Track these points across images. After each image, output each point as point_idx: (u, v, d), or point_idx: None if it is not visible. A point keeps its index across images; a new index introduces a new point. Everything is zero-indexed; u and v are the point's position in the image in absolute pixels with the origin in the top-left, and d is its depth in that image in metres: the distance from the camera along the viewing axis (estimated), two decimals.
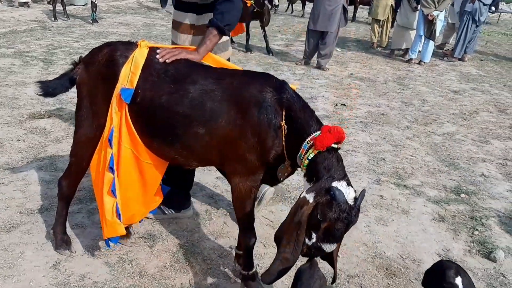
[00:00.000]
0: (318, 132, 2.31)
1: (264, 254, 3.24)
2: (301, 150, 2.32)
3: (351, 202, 2.10)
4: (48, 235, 3.21)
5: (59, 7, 11.28)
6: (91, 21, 11.46)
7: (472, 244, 3.61)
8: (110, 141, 2.59)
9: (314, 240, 2.15)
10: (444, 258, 3.37)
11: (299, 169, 2.51)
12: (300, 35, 12.71)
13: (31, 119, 5.18)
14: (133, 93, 2.52)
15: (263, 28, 9.73)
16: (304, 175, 2.36)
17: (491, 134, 6.17)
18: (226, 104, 2.42)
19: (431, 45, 10.16)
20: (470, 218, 3.99)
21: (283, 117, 2.35)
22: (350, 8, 17.07)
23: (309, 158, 2.27)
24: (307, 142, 2.30)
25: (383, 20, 11.38)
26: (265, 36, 9.81)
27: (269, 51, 9.82)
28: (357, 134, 5.68)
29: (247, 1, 9.08)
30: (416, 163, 5.02)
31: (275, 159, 2.44)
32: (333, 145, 2.26)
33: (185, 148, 2.57)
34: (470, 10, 10.38)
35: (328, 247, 2.17)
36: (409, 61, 10.38)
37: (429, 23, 9.78)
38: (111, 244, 2.85)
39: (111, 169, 2.62)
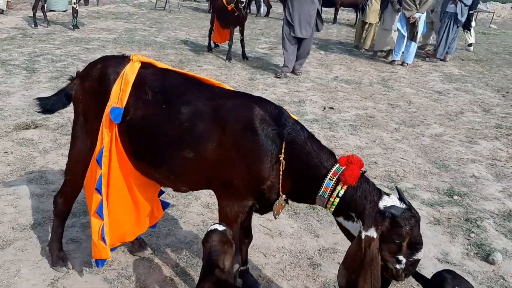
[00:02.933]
0: (337, 165, 2.25)
1: (265, 265, 3.21)
2: (323, 189, 2.23)
3: (404, 206, 2.14)
4: (43, 251, 3.13)
5: (39, 13, 11.08)
6: (72, 27, 11.27)
7: (469, 247, 3.64)
8: (98, 161, 2.52)
9: (404, 260, 2.13)
10: (443, 265, 3.39)
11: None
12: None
13: (18, 130, 5.06)
14: (123, 112, 2.44)
15: (241, 32, 9.60)
16: (334, 213, 2.30)
17: (478, 135, 6.24)
18: (216, 127, 2.32)
19: (414, 46, 10.25)
20: (465, 220, 4.02)
21: (283, 151, 2.25)
22: (331, 10, 17.20)
23: (339, 195, 2.22)
24: (329, 179, 2.22)
25: (370, 23, 11.44)
26: (242, 41, 9.60)
27: (244, 56, 9.67)
28: (347, 138, 5.69)
29: (227, 5, 9.03)
30: (407, 165, 5.05)
31: (269, 190, 2.35)
32: None
33: (172, 172, 2.48)
34: (452, 11, 10.49)
35: (420, 254, 2.15)
36: (392, 62, 10.46)
37: (412, 25, 9.87)
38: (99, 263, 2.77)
39: (98, 190, 2.54)
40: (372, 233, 2.10)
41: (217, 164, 2.33)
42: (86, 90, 2.58)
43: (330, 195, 2.24)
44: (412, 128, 6.30)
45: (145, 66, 2.55)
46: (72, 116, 5.01)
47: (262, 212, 2.55)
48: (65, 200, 2.85)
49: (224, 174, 2.34)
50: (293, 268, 3.20)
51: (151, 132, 2.42)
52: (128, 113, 2.44)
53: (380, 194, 2.21)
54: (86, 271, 2.99)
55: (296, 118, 2.43)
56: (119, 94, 2.43)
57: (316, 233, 3.63)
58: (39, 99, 2.74)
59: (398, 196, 2.21)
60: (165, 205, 3.05)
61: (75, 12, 11.25)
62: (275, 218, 2.48)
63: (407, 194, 4.37)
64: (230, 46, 9.49)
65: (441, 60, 11.12)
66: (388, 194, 2.22)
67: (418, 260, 2.15)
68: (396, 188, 2.33)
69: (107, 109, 2.44)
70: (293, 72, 8.77)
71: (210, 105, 2.36)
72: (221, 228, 2.24)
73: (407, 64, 10.35)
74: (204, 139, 2.32)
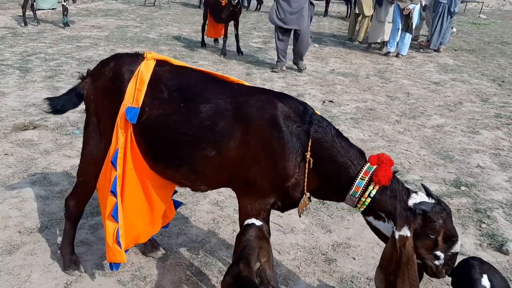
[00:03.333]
0: (368, 164, 2.22)
1: (281, 261, 3.16)
2: (354, 188, 2.21)
3: (433, 200, 2.14)
4: (53, 255, 3.06)
5: (28, 12, 10.90)
6: (62, 25, 11.10)
7: (482, 237, 3.62)
8: (113, 163, 2.44)
9: (443, 255, 2.13)
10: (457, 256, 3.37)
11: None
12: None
13: (16, 131, 4.96)
14: (139, 112, 2.37)
15: (236, 27, 9.51)
16: (363, 212, 2.29)
17: (479, 125, 6.24)
18: (239, 123, 2.26)
19: (408, 37, 10.23)
20: (474, 211, 4.00)
21: (309, 148, 2.20)
22: (322, 3, 17.13)
23: (371, 195, 2.19)
24: (360, 178, 2.19)
25: (363, 15, 11.40)
26: (236, 36, 9.51)
27: (239, 51, 9.56)
28: (350, 131, 5.65)
29: (221, 0, 8.93)
30: (412, 157, 5.03)
31: (293, 188, 2.30)
32: None
33: (193, 172, 2.41)
34: (445, 1, 10.49)
35: (457, 247, 2.15)
36: (387, 54, 10.44)
37: (406, 17, 9.84)
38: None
39: (113, 192, 2.47)
40: (406, 232, 2.09)
41: (240, 162, 2.28)
42: (99, 89, 2.50)
43: (362, 195, 2.21)
44: (413, 119, 6.27)
45: (160, 64, 2.47)
46: (71, 116, 4.94)
47: (283, 209, 2.50)
48: (77, 203, 2.77)
49: (247, 172, 2.29)
50: (309, 264, 3.16)
51: (169, 131, 2.35)
52: (144, 113, 2.37)
53: (408, 192, 2.20)
54: (99, 274, 2.93)
55: (318, 113, 2.37)
56: (135, 93, 2.35)
57: (328, 228, 3.60)
58: (49, 99, 2.66)
59: (425, 192, 2.18)
60: (177, 204, 2.98)
61: (65, 10, 11.09)
62: (300, 216, 2.45)
63: (414, 186, 4.35)
64: (224, 41, 9.41)
65: (435, 50, 11.12)
66: (416, 192, 2.21)
67: (456, 254, 2.14)
68: (422, 184, 2.32)
69: (122, 109, 2.37)
70: (298, 68, 8.53)
71: (232, 102, 2.30)
72: (258, 223, 2.20)
73: (402, 55, 10.33)
74: (227, 137, 2.26)
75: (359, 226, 3.64)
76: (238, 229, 3.42)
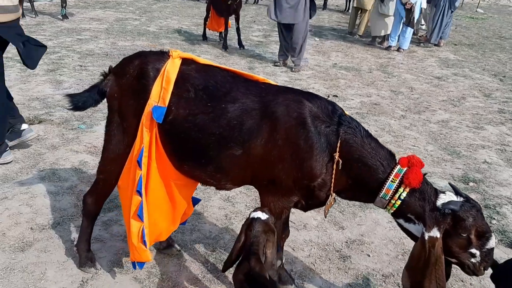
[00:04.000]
0: (398, 167, 2.20)
1: (295, 259, 3.16)
2: (384, 190, 2.20)
3: (461, 199, 2.13)
4: (68, 251, 3.04)
5: (26, 3, 10.78)
6: (61, 17, 11.00)
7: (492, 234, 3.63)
8: (139, 162, 2.41)
9: (478, 252, 2.11)
10: None
11: None
12: (275, 25, 12.56)
13: None
14: (165, 111, 2.34)
15: (237, 20, 9.45)
16: (393, 214, 2.29)
17: (483, 120, 6.25)
18: (267, 122, 2.24)
19: (410, 32, 10.23)
20: (484, 207, 4.01)
21: (338, 149, 2.19)
22: None
23: (402, 198, 2.19)
24: (391, 181, 2.18)
25: (363, 9, 11.38)
26: (237, 29, 9.44)
27: (240, 44, 9.50)
28: None
29: None
30: (420, 153, 5.03)
31: (319, 188, 2.29)
32: None
33: (219, 171, 2.40)
34: None
35: (492, 242, 2.12)
36: (388, 48, 10.43)
37: (408, 11, 9.83)
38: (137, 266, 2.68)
39: (139, 192, 2.45)
40: (435, 233, 2.09)
41: (266, 161, 2.26)
42: (123, 87, 2.46)
43: (392, 197, 2.20)
44: (418, 114, 6.28)
45: (186, 62, 2.44)
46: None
47: (305, 209, 2.49)
48: (96, 200, 2.75)
49: (273, 170, 2.27)
50: (324, 261, 3.16)
51: (196, 131, 2.32)
52: (170, 112, 2.34)
53: (436, 193, 2.19)
54: (114, 271, 2.91)
55: (348, 114, 2.35)
56: (161, 92, 2.32)
57: (341, 225, 3.59)
58: (70, 95, 2.61)
59: (453, 191, 2.17)
60: (195, 201, 2.96)
61: (64, 1, 10.98)
62: (325, 217, 2.49)
63: None
64: (225, 35, 9.36)
65: (435, 45, 11.14)
66: (444, 192, 2.20)
67: (492, 249, 2.13)
68: (450, 184, 2.30)
69: (148, 108, 2.34)
70: (291, 68, 8.28)
71: (259, 101, 2.28)
72: (264, 216, 2.18)
73: (403, 49, 10.33)
74: (254, 136, 2.25)
75: (371, 222, 3.64)
76: None
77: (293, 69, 8.17)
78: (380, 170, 2.21)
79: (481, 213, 2.12)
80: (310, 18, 8.26)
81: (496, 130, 5.89)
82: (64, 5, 11.03)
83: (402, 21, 10.02)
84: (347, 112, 2.37)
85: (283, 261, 2.82)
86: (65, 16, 11.07)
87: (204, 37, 10.05)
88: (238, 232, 3.37)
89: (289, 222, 3.53)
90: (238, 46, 9.52)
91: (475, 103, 7.01)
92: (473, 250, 2.11)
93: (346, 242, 3.39)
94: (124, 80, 2.46)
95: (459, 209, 2.06)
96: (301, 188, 2.29)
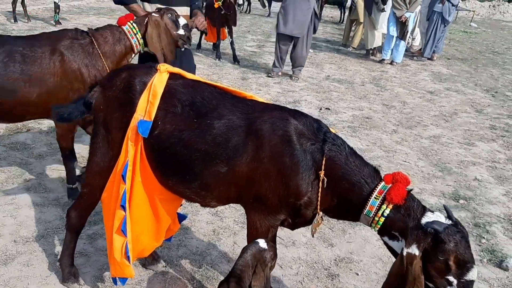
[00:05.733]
0: (383, 183, 2.16)
1: (283, 277, 3.11)
2: (368, 207, 2.16)
3: (449, 222, 2.04)
4: (51, 266, 2.98)
5: (19, 8, 10.72)
6: (54, 23, 10.93)
7: (482, 253, 3.61)
8: (124, 176, 2.38)
9: (455, 281, 2.00)
10: None
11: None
12: (269, 35, 12.60)
13: (9, 134, 4.85)
14: (151, 125, 2.31)
15: (230, 34, 9.36)
16: (379, 232, 2.23)
17: (475, 136, 6.26)
18: (252, 139, 2.22)
19: (403, 45, 10.27)
20: (474, 225, 4.00)
21: (323, 167, 2.16)
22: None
23: (385, 215, 2.14)
24: (374, 197, 2.14)
25: (358, 21, 11.43)
26: (232, 43, 9.29)
27: (235, 59, 9.26)
28: (347, 140, 5.51)
29: (215, 2, 8.86)
30: (411, 169, 5.02)
31: (305, 206, 2.25)
32: None
33: (204, 188, 2.37)
34: (439, 10, 10.56)
35: (473, 274, 2.01)
36: (381, 61, 10.46)
37: (402, 24, 9.87)
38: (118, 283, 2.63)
39: (123, 206, 2.41)
40: (414, 250, 2.00)
41: (252, 179, 2.23)
42: (109, 100, 2.43)
43: (375, 214, 2.16)
44: (409, 129, 6.28)
45: (173, 77, 2.42)
46: None
47: (293, 227, 2.45)
48: (80, 214, 2.69)
49: (259, 188, 2.24)
50: (311, 279, 3.12)
51: (181, 147, 2.29)
52: (156, 126, 2.31)
53: (424, 211, 2.13)
54: (98, 286, 2.85)
55: (334, 131, 2.33)
56: (147, 106, 2.29)
57: (330, 242, 3.56)
58: (56, 106, 2.58)
59: (446, 214, 2.13)
60: (181, 218, 2.92)
61: (57, 7, 10.92)
62: (313, 236, 2.40)
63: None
64: (218, 45, 9.32)
65: (428, 59, 11.18)
66: (432, 211, 2.14)
67: (472, 282, 2.03)
68: (444, 206, 2.25)
69: (134, 122, 2.31)
70: (291, 75, 8.38)
71: (245, 118, 2.26)
72: (263, 244, 2.15)
73: (396, 63, 10.37)
74: (239, 154, 2.22)
75: (361, 240, 3.61)
76: (239, 242, 3.41)
77: (293, 78, 8.30)
78: (364, 187, 2.18)
79: (467, 241, 2.04)
80: (315, 32, 8.40)
81: (487, 147, 5.90)
82: (57, 10, 10.97)
83: (395, 36, 10.06)
84: (334, 129, 2.36)
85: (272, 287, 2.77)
86: (58, 22, 11.00)
87: (199, 46, 10.01)
88: (226, 248, 3.35)
89: (279, 238, 3.51)
90: (232, 56, 9.46)
91: (467, 118, 7.03)
92: (451, 278, 2.00)
93: (335, 260, 3.36)
94: (110, 92, 2.43)
95: (442, 230, 1.98)
96: (287, 207, 2.26)
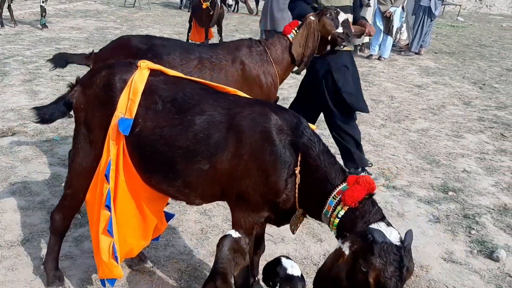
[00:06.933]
0: (344, 184, 2.08)
1: None
2: (326, 207, 2.07)
3: (396, 243, 1.80)
4: (36, 270, 2.94)
5: (5, 13, 10.62)
6: (40, 27, 10.86)
7: (472, 244, 3.61)
8: (107, 176, 2.34)
9: None
10: (449, 264, 3.34)
11: None
12: (258, 34, 12.55)
13: None
14: (132, 123, 2.28)
15: (219, 32, 9.34)
16: (336, 234, 2.09)
17: (463, 128, 6.27)
18: (233, 137, 2.19)
19: (390, 40, 10.27)
20: (463, 217, 3.99)
21: (299, 163, 2.12)
22: None
23: (339, 216, 2.03)
24: (333, 197, 2.06)
25: None
26: (220, 42, 9.42)
27: None
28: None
29: (202, 2, 8.82)
30: (399, 162, 5.01)
31: (284, 204, 2.22)
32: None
33: (187, 186, 2.33)
34: (426, 4, 10.58)
35: None
36: (369, 57, 10.47)
37: (387, 20, 9.88)
38: (107, 284, 2.60)
39: (108, 207, 2.37)
40: (346, 249, 1.87)
41: (233, 176, 2.21)
42: (89, 99, 2.39)
43: (331, 215, 2.07)
44: (398, 123, 6.28)
45: (154, 73, 2.39)
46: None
47: (278, 224, 2.43)
48: (64, 216, 2.65)
49: (240, 185, 2.21)
50: None
51: (163, 144, 2.26)
52: (137, 124, 2.28)
53: (381, 219, 1.96)
54: None
55: (314, 128, 2.30)
56: (128, 104, 2.26)
57: (319, 237, 3.54)
58: (37, 108, 2.54)
59: (400, 236, 1.87)
60: (168, 216, 2.89)
61: (43, 10, 10.84)
62: (293, 233, 2.34)
63: (403, 191, 4.34)
64: (206, 45, 9.29)
65: (415, 53, 11.20)
66: (389, 224, 1.94)
67: None
68: (406, 233, 1.92)
69: (114, 120, 2.27)
70: None
71: (226, 114, 2.23)
72: (235, 234, 2.15)
73: (384, 58, 10.37)
74: (220, 150, 2.19)
75: None
76: None
77: None
78: (327, 186, 2.10)
79: (400, 271, 1.75)
80: None
81: (476, 139, 5.91)
82: (43, 14, 10.89)
83: (381, 31, 10.06)
84: (313, 126, 2.32)
85: (258, 277, 2.75)
86: (44, 26, 10.93)
87: None
88: (214, 247, 3.30)
89: (268, 235, 3.49)
90: None
91: (454, 111, 7.04)
92: None
93: (324, 255, 3.34)
94: (90, 91, 2.39)
95: (378, 241, 1.76)
96: (269, 204, 2.23)
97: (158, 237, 2.93)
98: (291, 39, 3.65)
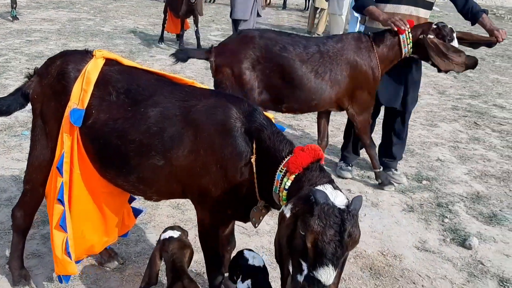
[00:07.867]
0: (290, 156, 1.93)
1: None
2: (275, 183, 1.93)
3: (341, 206, 1.64)
4: (2, 269, 2.85)
5: None
6: (11, 19, 10.58)
7: (445, 232, 3.63)
8: (59, 168, 2.27)
9: (305, 271, 1.63)
10: (422, 253, 3.36)
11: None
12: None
13: None
14: (84, 114, 2.20)
15: (196, 23, 9.25)
16: None
17: (437, 117, 6.32)
18: (188, 130, 2.10)
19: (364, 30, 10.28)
20: (436, 205, 4.02)
21: (254, 151, 2.02)
22: None
23: (286, 188, 1.87)
24: (279, 170, 1.91)
25: (322, 8, 11.40)
26: (197, 32, 9.22)
27: (199, 48, 9.15)
28: (312, 127, 5.61)
29: None
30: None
31: (247, 197, 2.10)
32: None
33: (141, 182, 2.25)
34: None
35: (323, 274, 1.57)
36: None
37: None
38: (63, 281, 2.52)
39: (60, 200, 2.29)
40: (287, 211, 1.70)
41: (191, 172, 2.12)
42: (44, 89, 2.32)
43: (279, 189, 1.91)
44: None
45: (109, 63, 2.31)
46: (20, 115, 4.66)
47: (244, 220, 2.34)
48: (25, 213, 2.57)
49: (199, 182, 2.13)
50: (275, 268, 3.06)
51: (116, 137, 2.18)
52: (90, 115, 2.20)
53: (327, 182, 1.80)
54: None
55: (271, 116, 2.23)
56: (80, 94, 2.18)
57: None
58: None
59: (347, 200, 1.72)
60: (137, 212, 2.82)
61: (14, 2, 10.56)
62: (255, 226, 2.19)
63: (377, 181, 4.34)
64: (181, 35, 9.19)
65: None
66: (339, 190, 1.78)
67: (319, 283, 1.59)
68: (358, 196, 1.74)
69: (67, 111, 2.20)
70: None
71: (181, 106, 2.14)
72: (176, 234, 2.26)
73: None
74: (175, 145, 2.11)
75: None
76: None
77: None
78: (276, 163, 1.96)
79: (340, 235, 1.57)
80: (259, 15, 8.23)
81: (450, 127, 5.96)
82: (14, 5, 10.61)
83: (358, 20, 10.05)
84: (271, 115, 2.25)
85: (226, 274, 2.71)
86: (15, 17, 10.65)
87: (161, 39, 9.78)
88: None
89: (242, 228, 3.45)
90: (196, 46, 9.33)
91: (429, 100, 7.09)
92: (304, 265, 1.64)
93: None
94: (46, 81, 2.32)
95: (320, 202, 1.59)
96: (232, 199, 2.13)
97: (127, 233, 2.87)
98: (401, 40, 3.78)
